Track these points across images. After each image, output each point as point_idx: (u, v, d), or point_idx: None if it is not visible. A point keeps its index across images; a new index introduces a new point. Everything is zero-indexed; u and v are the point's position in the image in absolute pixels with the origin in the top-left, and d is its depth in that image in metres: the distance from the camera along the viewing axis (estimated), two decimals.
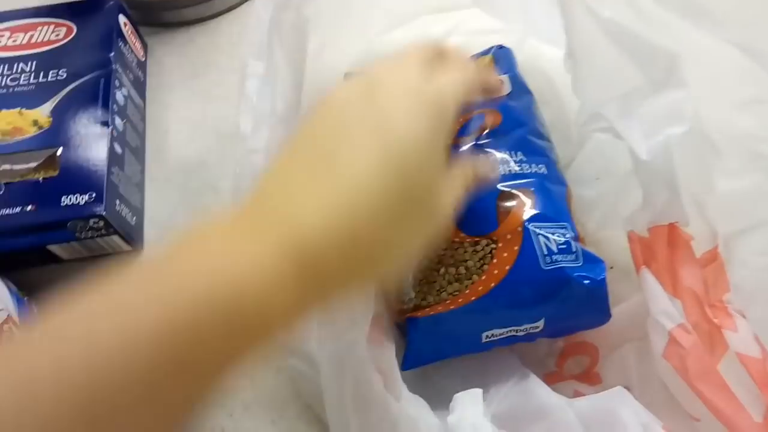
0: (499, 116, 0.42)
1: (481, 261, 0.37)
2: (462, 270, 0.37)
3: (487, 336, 0.38)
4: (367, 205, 0.27)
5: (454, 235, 0.37)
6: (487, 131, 0.41)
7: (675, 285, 0.38)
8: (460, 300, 0.37)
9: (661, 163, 0.36)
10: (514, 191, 0.38)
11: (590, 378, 0.43)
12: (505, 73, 0.46)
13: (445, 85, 0.31)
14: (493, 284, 0.36)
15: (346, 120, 0.29)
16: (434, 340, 0.38)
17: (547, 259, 0.37)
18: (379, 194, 0.27)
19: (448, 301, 0.37)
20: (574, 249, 0.37)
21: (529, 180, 0.39)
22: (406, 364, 0.39)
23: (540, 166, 0.40)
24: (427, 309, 0.37)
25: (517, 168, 0.39)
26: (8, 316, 0.43)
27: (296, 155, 0.29)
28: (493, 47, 0.49)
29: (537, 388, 0.37)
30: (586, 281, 0.37)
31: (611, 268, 0.39)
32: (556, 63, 0.47)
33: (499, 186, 0.38)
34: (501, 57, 0.48)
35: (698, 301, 0.38)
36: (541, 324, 0.38)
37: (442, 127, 0.30)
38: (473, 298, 0.36)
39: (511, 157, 0.40)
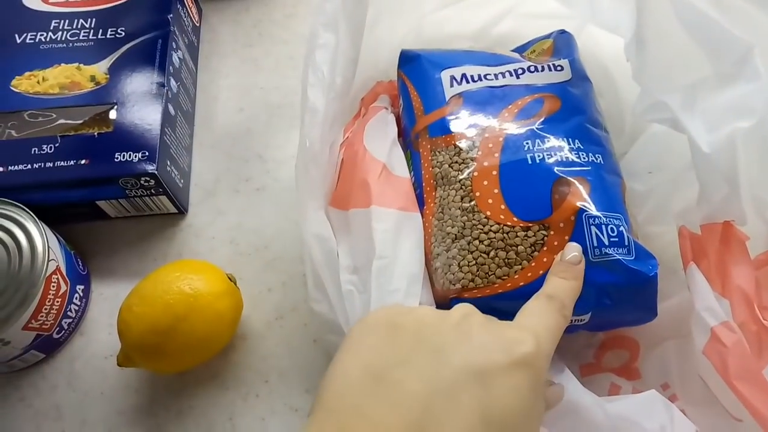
0: (558, 102, 0.41)
1: (532, 247, 0.36)
2: (512, 255, 0.36)
3: None
4: None
5: (506, 219, 0.37)
6: (545, 117, 0.40)
7: (724, 284, 0.37)
8: (508, 285, 0.36)
9: (724, 157, 0.35)
10: (570, 178, 0.38)
11: (629, 373, 0.42)
12: (565, 58, 0.45)
13: (542, 335, 0.29)
14: (541, 272, 0.36)
15: (444, 368, 0.26)
16: None
17: (597, 251, 0.36)
18: None
19: (495, 285, 0.36)
20: (626, 242, 0.37)
21: (585, 168, 0.38)
22: None
23: (597, 155, 0.39)
24: (474, 291, 0.37)
25: (573, 156, 0.39)
26: (57, 267, 0.44)
27: (382, 398, 0.26)
28: (554, 32, 0.48)
29: (570, 385, 0.37)
30: (637, 277, 0.36)
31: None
32: (614, 52, 0.46)
33: (556, 170, 0.38)
34: (562, 42, 0.47)
35: (748, 301, 0.37)
36: (587, 317, 0.37)
37: (542, 383, 0.28)
38: (521, 284, 0.36)
39: (569, 144, 0.39)
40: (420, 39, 0.54)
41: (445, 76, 0.43)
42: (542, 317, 0.31)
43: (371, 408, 0.25)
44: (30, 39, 0.52)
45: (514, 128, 0.40)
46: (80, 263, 0.48)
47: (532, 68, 0.43)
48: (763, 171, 0.35)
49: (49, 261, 0.42)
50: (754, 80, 0.33)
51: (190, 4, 0.59)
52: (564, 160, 0.38)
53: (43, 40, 0.52)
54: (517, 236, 0.37)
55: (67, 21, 0.53)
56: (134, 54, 0.51)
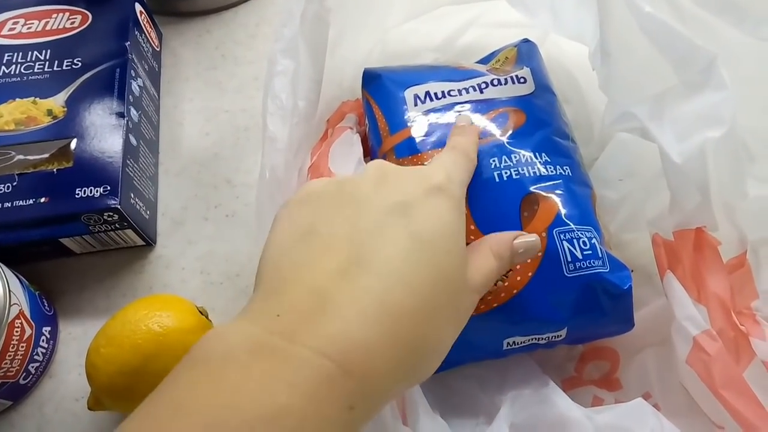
0: (523, 115, 0.41)
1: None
2: None
3: (508, 343, 0.37)
4: (408, 304, 0.26)
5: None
6: (510, 131, 0.40)
7: (700, 290, 0.37)
8: (482, 307, 0.35)
9: (694, 166, 0.35)
10: (538, 194, 0.37)
11: (610, 384, 0.42)
12: (527, 67, 0.44)
13: (450, 169, 0.33)
14: (515, 291, 0.35)
15: (367, 211, 0.28)
16: (455, 346, 0.37)
17: (571, 266, 0.36)
18: (417, 290, 0.26)
19: None
20: (599, 254, 0.36)
21: (554, 182, 0.38)
22: None
23: (565, 167, 0.39)
24: None
25: (542, 170, 0.38)
26: (20, 311, 0.42)
27: (314, 247, 0.27)
28: (518, 41, 0.48)
29: (556, 398, 0.36)
30: (611, 289, 0.36)
31: (632, 271, 0.38)
32: (579, 60, 0.46)
33: (524, 186, 0.37)
34: (525, 51, 0.46)
35: (724, 307, 0.37)
36: (563, 333, 0.37)
37: (461, 206, 0.31)
38: (495, 305, 0.35)
39: (536, 158, 0.39)
40: (385, 54, 0.53)
41: (408, 94, 0.42)
42: (449, 156, 0.35)
43: (304, 256, 0.27)
44: None
45: (480, 145, 0.39)
46: (46, 303, 0.47)
47: (496, 81, 0.43)
48: (732, 178, 0.35)
49: (10, 306, 0.41)
50: (720, 89, 0.33)
51: (149, 29, 0.58)
52: (532, 175, 0.38)
53: None
54: None
55: (20, 54, 0.51)
56: (92, 85, 0.50)
